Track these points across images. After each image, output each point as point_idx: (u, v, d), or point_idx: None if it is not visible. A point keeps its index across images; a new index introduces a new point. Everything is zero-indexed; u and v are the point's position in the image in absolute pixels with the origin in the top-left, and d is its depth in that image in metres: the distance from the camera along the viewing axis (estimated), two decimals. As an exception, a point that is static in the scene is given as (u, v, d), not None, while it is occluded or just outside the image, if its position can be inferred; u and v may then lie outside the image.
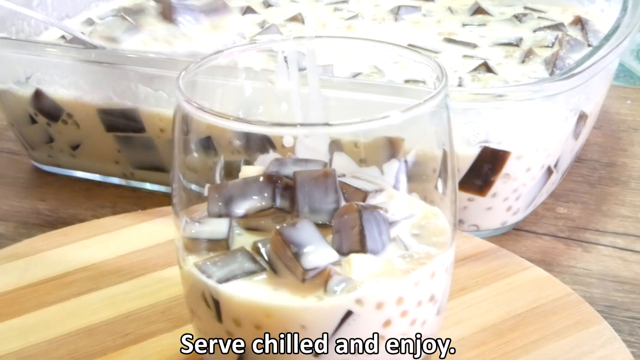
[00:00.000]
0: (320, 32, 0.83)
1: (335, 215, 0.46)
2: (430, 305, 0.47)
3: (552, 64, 0.72)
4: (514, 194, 0.66)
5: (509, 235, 0.68)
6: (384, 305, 0.45)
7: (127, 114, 0.72)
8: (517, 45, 0.77)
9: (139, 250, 0.63)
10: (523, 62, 0.74)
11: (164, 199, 0.73)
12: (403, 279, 0.45)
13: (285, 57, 0.54)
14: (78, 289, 0.60)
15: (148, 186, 0.76)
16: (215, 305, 0.46)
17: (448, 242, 0.48)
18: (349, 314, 0.44)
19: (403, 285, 0.45)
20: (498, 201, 0.66)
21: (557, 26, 0.81)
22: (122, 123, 0.72)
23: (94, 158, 0.76)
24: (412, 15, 0.85)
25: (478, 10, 0.85)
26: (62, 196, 0.75)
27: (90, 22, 0.87)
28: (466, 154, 0.64)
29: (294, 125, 0.47)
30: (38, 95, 0.74)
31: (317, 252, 0.44)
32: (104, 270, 0.62)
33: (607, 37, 0.69)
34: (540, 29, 0.81)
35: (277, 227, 0.45)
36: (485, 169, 0.64)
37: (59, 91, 0.73)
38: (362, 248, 0.45)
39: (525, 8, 0.86)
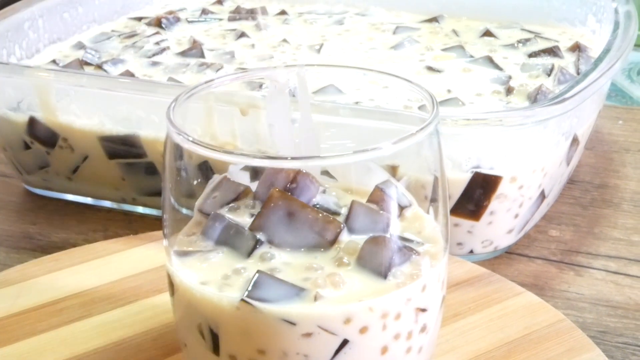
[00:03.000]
0: (313, 56, 0.84)
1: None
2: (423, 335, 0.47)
3: (533, 98, 0.71)
4: (507, 218, 0.66)
5: (501, 259, 0.68)
6: (369, 329, 0.45)
7: (128, 140, 0.71)
8: (502, 87, 0.76)
9: (130, 276, 0.63)
10: (507, 96, 0.74)
11: (155, 223, 0.73)
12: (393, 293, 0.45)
13: (276, 84, 0.54)
14: (70, 316, 0.60)
15: (140, 209, 0.76)
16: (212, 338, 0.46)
17: (440, 265, 0.48)
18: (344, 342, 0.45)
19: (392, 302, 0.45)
20: (492, 225, 0.66)
21: (552, 49, 0.80)
22: (123, 150, 0.72)
23: (93, 183, 0.75)
24: (413, 47, 0.85)
25: (486, 33, 0.86)
26: (54, 220, 0.75)
27: (80, 45, 0.87)
28: (458, 180, 0.64)
29: (286, 158, 0.47)
30: (32, 122, 0.73)
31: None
32: (96, 296, 0.61)
33: (599, 60, 0.69)
34: (535, 53, 0.80)
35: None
36: (477, 194, 0.64)
37: (53, 115, 0.73)
38: (380, 276, 0.45)
39: (522, 30, 0.86)
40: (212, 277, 0.46)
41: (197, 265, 0.47)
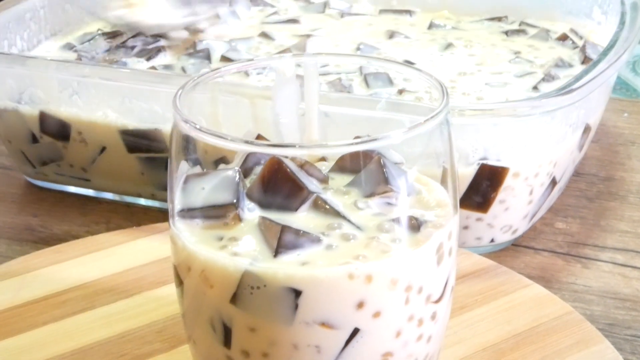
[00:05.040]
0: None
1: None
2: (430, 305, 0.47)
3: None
4: (514, 210, 0.66)
5: (507, 251, 0.68)
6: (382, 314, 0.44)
7: (149, 134, 0.71)
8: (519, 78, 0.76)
9: (134, 268, 0.63)
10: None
11: (158, 215, 0.73)
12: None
13: (284, 73, 0.53)
14: (72, 308, 0.59)
15: (142, 201, 0.75)
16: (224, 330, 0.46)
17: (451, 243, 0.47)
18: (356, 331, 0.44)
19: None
20: (499, 217, 0.66)
21: (566, 35, 0.80)
22: (144, 144, 0.71)
23: (110, 177, 0.74)
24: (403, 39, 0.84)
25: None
26: (56, 212, 0.75)
27: (70, 46, 0.86)
28: (465, 172, 0.63)
29: (293, 146, 0.46)
30: (43, 117, 0.73)
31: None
32: (99, 288, 0.61)
33: (606, 52, 0.69)
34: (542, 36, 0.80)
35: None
36: (484, 186, 0.64)
37: (68, 109, 0.72)
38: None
39: (522, 23, 0.86)
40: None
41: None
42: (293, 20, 0.88)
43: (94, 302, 0.59)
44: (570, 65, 0.76)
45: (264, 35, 0.84)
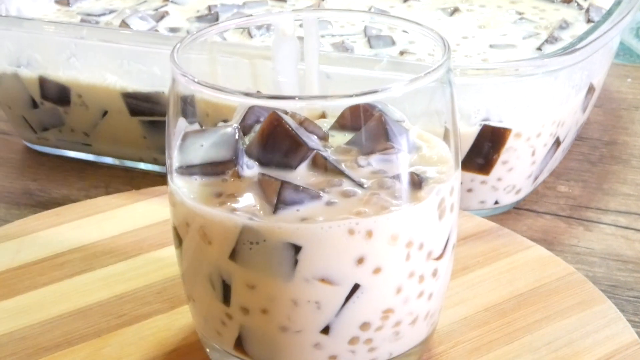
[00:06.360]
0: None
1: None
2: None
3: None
4: (516, 171, 0.65)
5: (509, 214, 0.67)
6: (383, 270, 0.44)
7: (152, 97, 0.70)
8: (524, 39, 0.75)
9: (133, 230, 0.62)
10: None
11: (157, 179, 0.72)
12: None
13: (283, 32, 0.52)
14: (71, 269, 0.59)
15: (142, 166, 0.75)
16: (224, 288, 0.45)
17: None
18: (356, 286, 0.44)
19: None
20: (502, 179, 0.65)
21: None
22: (147, 107, 0.70)
23: (112, 141, 0.74)
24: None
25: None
26: (54, 176, 0.74)
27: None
28: (466, 133, 0.63)
29: (292, 97, 0.45)
30: (42, 82, 0.72)
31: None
32: (98, 250, 0.60)
33: (609, 13, 0.68)
34: None
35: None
36: (486, 148, 0.63)
37: (67, 72, 0.71)
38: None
39: None
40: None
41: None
42: None
43: (93, 264, 0.59)
44: (572, 25, 0.75)
45: None
